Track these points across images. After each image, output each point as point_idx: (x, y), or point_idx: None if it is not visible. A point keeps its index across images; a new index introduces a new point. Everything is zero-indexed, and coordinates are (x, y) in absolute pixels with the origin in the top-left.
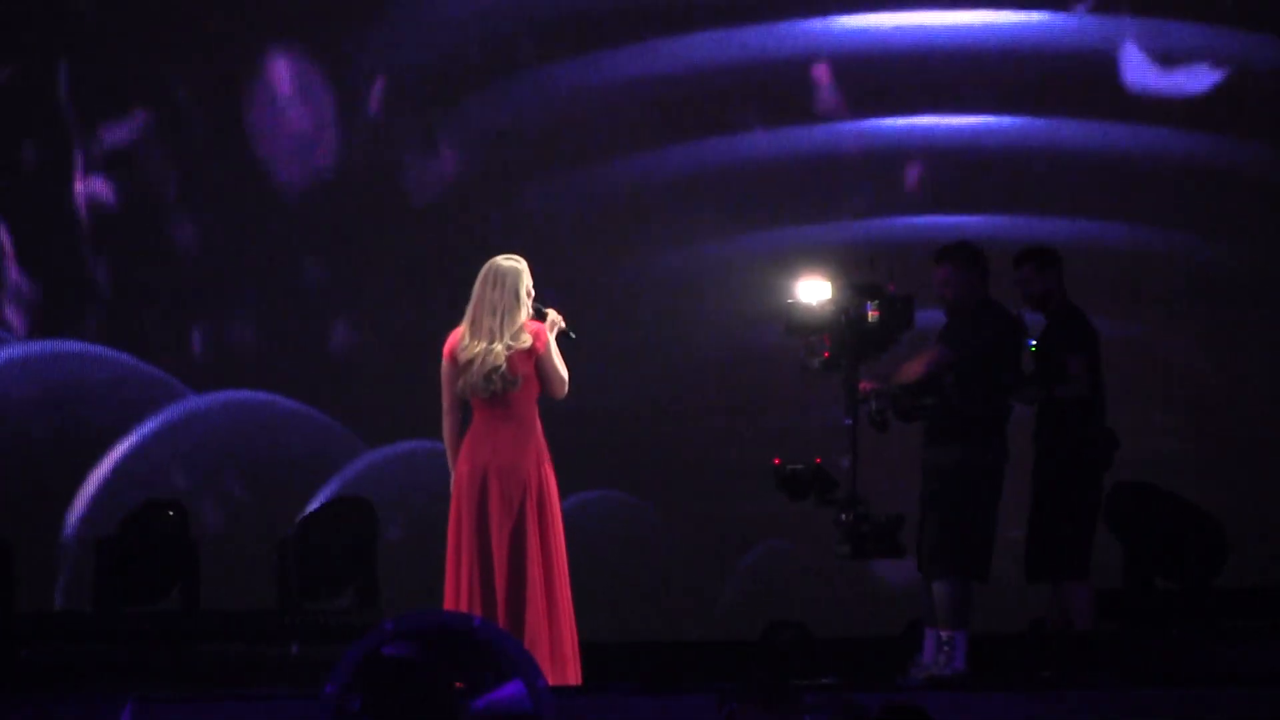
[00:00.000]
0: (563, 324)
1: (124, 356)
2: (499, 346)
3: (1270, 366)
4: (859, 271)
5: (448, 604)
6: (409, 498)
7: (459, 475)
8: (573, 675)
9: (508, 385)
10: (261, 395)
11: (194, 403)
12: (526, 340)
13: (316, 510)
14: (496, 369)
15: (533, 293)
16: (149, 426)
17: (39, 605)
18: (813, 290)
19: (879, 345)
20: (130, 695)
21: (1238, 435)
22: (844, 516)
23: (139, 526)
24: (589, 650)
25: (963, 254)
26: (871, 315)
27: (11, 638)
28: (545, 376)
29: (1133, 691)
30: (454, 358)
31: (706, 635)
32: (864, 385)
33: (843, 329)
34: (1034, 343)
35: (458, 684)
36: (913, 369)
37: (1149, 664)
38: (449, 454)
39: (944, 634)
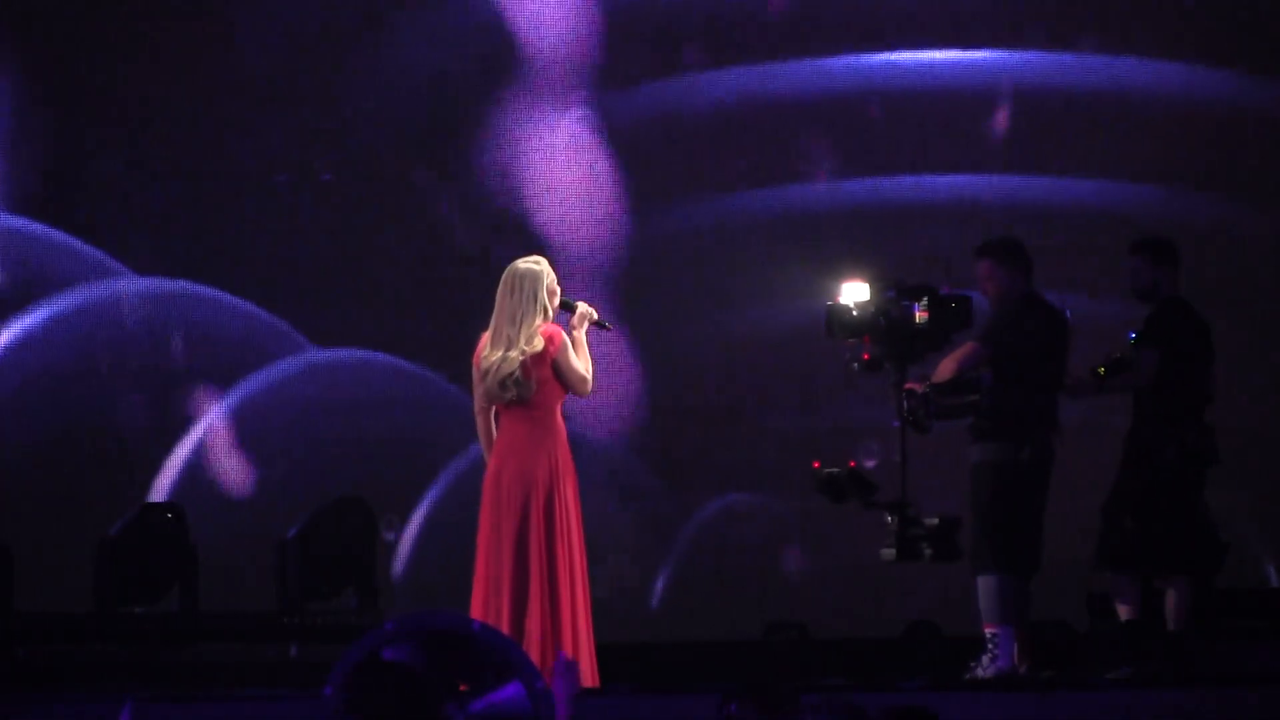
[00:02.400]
0: (594, 316)
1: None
2: (514, 353)
3: (1270, 366)
4: (909, 272)
5: (475, 597)
6: (408, 496)
7: (486, 474)
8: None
9: (522, 391)
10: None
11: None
12: (539, 345)
13: (316, 511)
14: (510, 375)
15: (557, 290)
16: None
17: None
18: (851, 292)
19: (931, 346)
20: (129, 695)
21: (1238, 435)
22: (890, 520)
23: (138, 527)
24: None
25: (1002, 248)
26: (920, 316)
27: (10, 637)
28: (564, 379)
29: (1133, 691)
30: (478, 364)
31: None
32: (908, 386)
33: (882, 331)
34: (1133, 335)
35: (460, 686)
36: (946, 367)
37: (1149, 664)
38: (484, 453)
39: (989, 630)
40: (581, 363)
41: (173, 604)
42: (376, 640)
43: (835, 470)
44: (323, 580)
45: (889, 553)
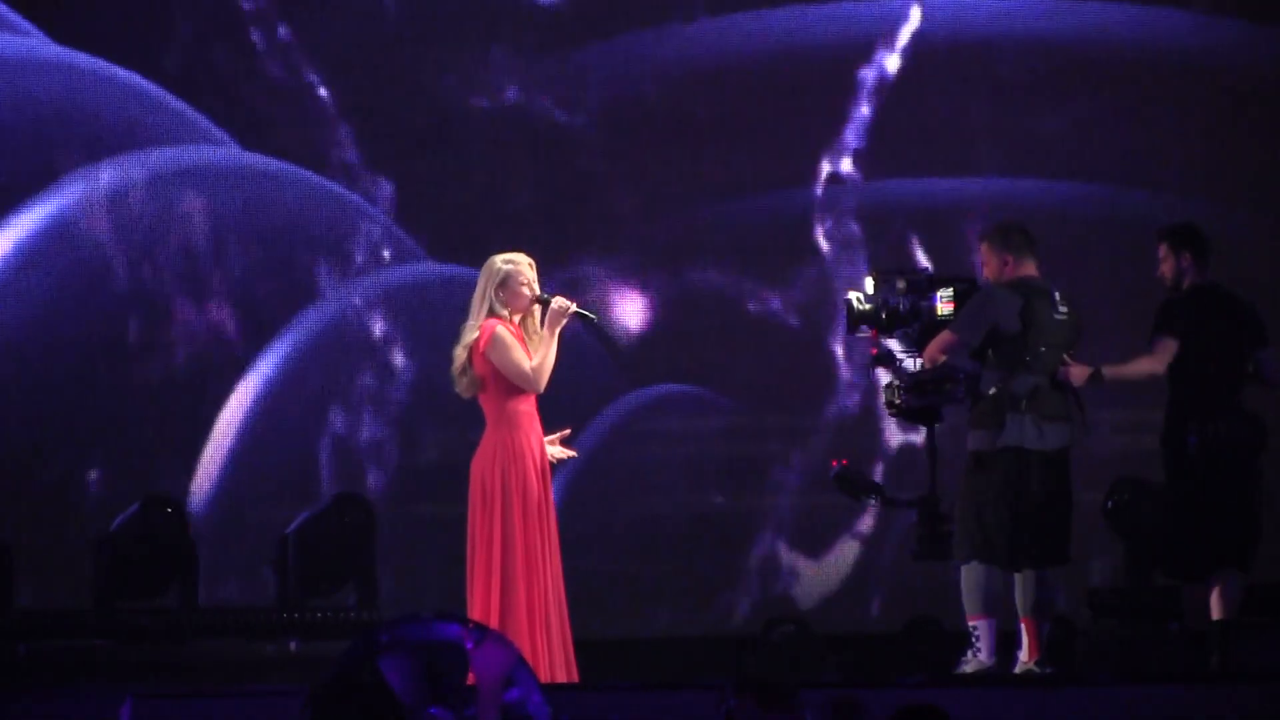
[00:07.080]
0: (573, 308)
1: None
2: (458, 349)
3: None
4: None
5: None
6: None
7: None
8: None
9: (468, 385)
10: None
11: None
12: (471, 338)
13: (316, 508)
14: (460, 368)
15: (522, 288)
16: None
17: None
18: (863, 286)
19: None
20: (129, 691)
21: None
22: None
23: (137, 523)
24: (588, 649)
25: (997, 234)
26: (944, 308)
27: (10, 634)
28: (505, 373)
29: (1133, 691)
30: None
31: None
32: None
33: (885, 324)
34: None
35: (450, 696)
36: (926, 356)
37: (1149, 663)
38: None
39: (969, 623)
40: (521, 358)
41: (172, 600)
42: (368, 650)
43: (835, 468)
44: (322, 576)
45: (916, 550)
